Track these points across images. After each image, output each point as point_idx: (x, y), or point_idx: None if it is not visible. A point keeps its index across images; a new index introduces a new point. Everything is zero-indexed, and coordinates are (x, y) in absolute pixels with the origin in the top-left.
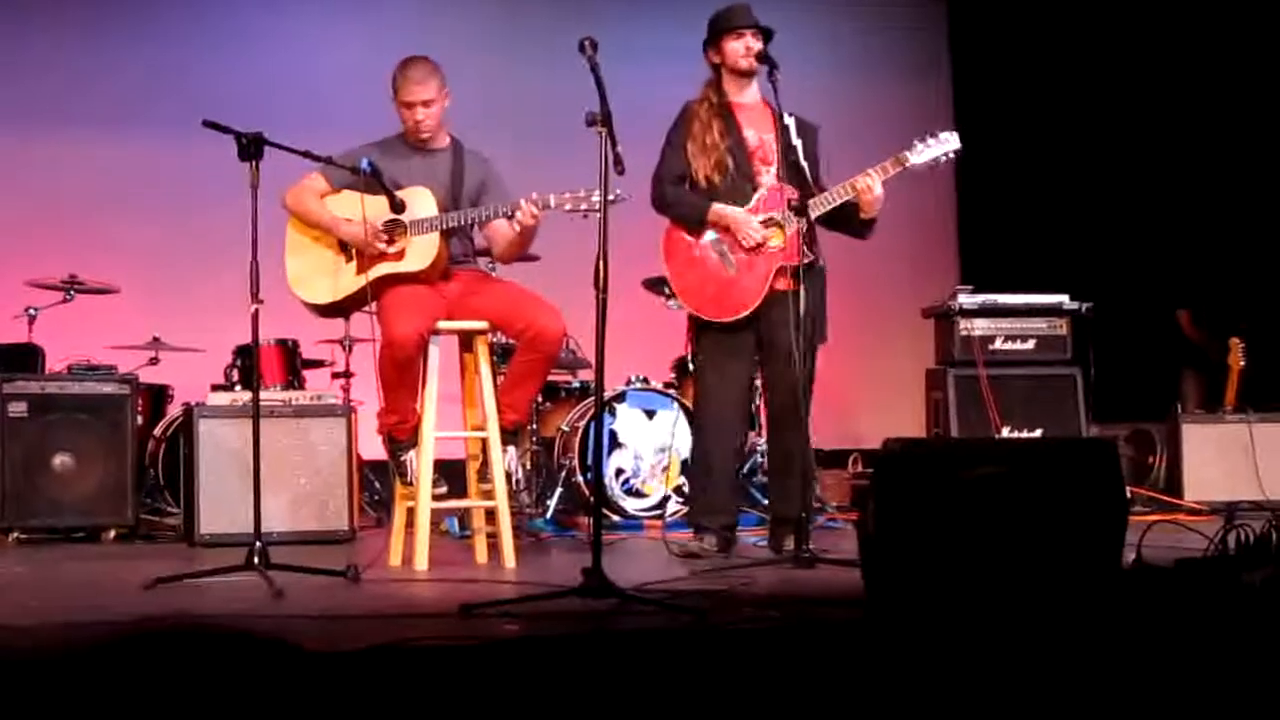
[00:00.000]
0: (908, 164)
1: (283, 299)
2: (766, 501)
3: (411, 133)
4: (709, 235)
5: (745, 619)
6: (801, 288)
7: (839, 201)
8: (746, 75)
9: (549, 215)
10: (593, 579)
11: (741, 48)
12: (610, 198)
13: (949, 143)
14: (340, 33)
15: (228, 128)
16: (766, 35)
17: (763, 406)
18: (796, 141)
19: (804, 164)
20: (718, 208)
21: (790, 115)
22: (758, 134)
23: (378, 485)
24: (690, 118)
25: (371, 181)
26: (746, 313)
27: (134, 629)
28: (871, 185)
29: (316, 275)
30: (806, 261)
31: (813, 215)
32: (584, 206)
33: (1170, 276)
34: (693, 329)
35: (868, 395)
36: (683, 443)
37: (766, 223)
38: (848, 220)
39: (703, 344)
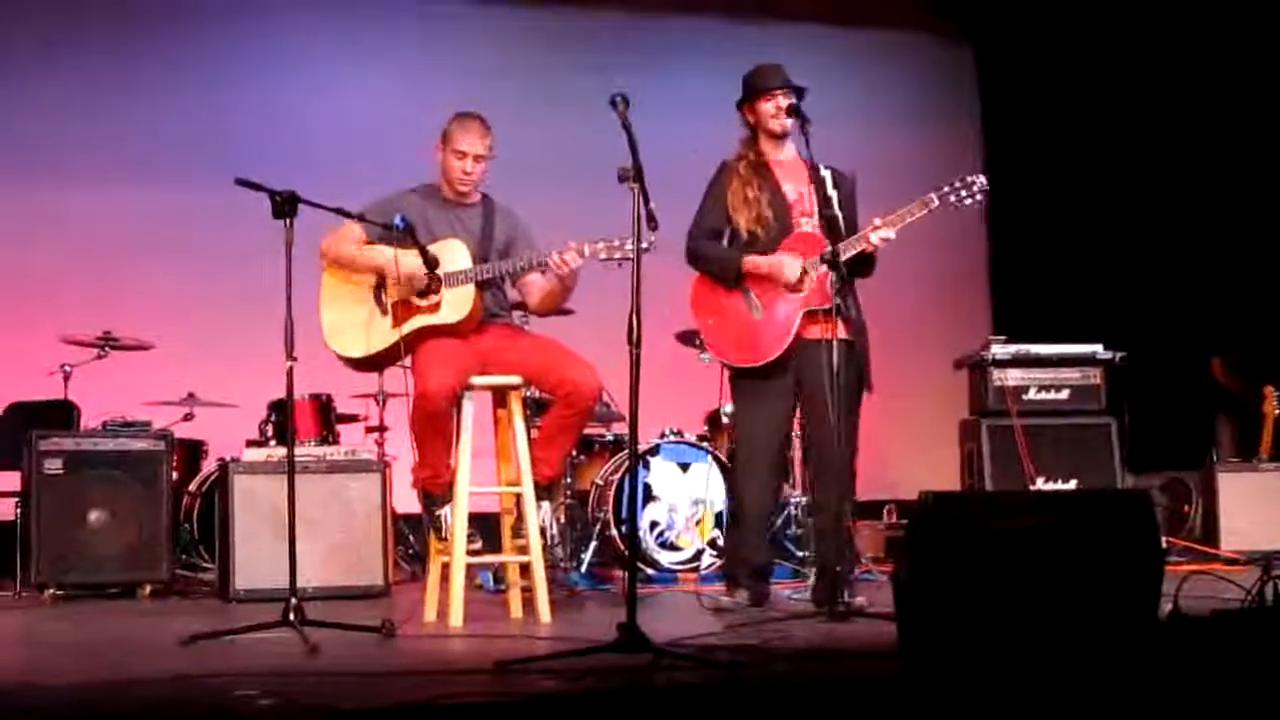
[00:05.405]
0: (932, 206)
1: (317, 353)
2: (804, 554)
3: (455, 182)
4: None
5: (781, 674)
6: (835, 337)
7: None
8: (781, 136)
9: (583, 268)
10: (628, 634)
11: (773, 108)
12: (644, 246)
13: (975, 183)
14: (372, 85)
15: (262, 185)
16: (799, 93)
17: (798, 455)
18: (832, 192)
19: (838, 214)
20: (750, 259)
21: (826, 168)
22: (795, 187)
23: (412, 539)
24: (729, 175)
25: (405, 239)
26: (773, 357)
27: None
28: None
29: (351, 328)
30: (828, 307)
31: (844, 256)
32: (617, 255)
33: (1204, 324)
34: (729, 378)
35: (902, 446)
36: (716, 495)
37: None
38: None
39: (737, 392)
